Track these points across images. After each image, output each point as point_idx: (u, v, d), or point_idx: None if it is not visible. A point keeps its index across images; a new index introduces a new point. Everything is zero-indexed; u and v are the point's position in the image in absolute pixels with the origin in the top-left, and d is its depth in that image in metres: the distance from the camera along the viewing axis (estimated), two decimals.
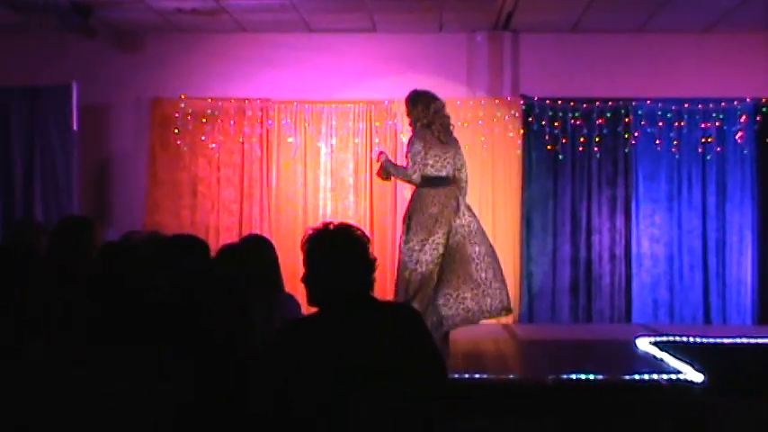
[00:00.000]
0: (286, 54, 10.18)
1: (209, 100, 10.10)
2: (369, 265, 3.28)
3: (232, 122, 10.07)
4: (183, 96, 10.04)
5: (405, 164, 7.29)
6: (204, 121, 10.08)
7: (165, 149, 10.05)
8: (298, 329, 3.27)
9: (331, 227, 3.29)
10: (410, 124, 7.48)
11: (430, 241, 7.10)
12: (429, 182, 7.21)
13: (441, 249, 7.11)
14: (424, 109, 7.42)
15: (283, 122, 10.07)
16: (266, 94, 10.05)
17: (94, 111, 10.03)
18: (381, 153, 7.60)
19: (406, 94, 7.68)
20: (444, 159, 7.27)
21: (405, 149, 7.40)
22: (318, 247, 3.27)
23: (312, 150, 10.06)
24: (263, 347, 3.15)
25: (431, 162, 7.22)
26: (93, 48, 9.99)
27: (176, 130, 10.03)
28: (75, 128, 9.52)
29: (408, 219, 7.16)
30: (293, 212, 10.05)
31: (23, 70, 9.97)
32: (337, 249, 3.25)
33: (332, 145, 10.10)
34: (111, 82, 10.14)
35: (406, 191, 10.05)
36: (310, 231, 3.31)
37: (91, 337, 2.89)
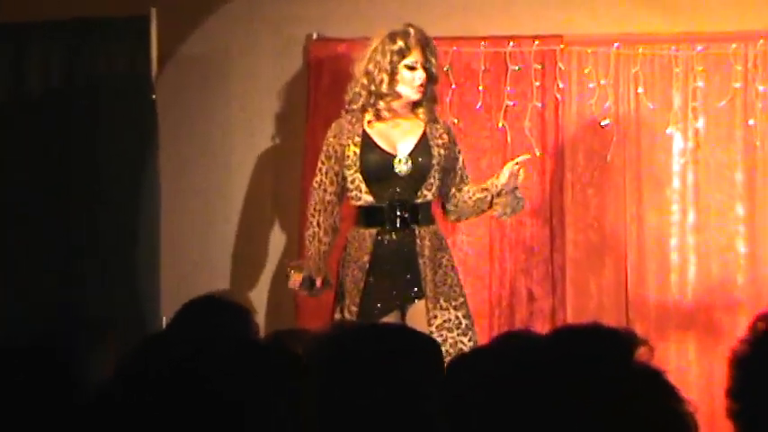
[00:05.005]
0: None
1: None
2: None
3: (480, 87, 5.59)
4: (370, 38, 5.41)
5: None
6: None
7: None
8: None
9: None
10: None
11: None
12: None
13: None
14: None
15: (583, 81, 5.69)
16: (547, 28, 5.77)
17: (206, 60, 5.93)
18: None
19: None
20: None
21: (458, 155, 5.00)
22: None
23: (646, 133, 5.59)
24: None
25: None
26: None
27: None
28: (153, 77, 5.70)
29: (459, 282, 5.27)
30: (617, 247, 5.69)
31: None
32: None
33: (698, 126, 5.56)
34: (240, 12, 5.95)
35: None
36: None
37: None
